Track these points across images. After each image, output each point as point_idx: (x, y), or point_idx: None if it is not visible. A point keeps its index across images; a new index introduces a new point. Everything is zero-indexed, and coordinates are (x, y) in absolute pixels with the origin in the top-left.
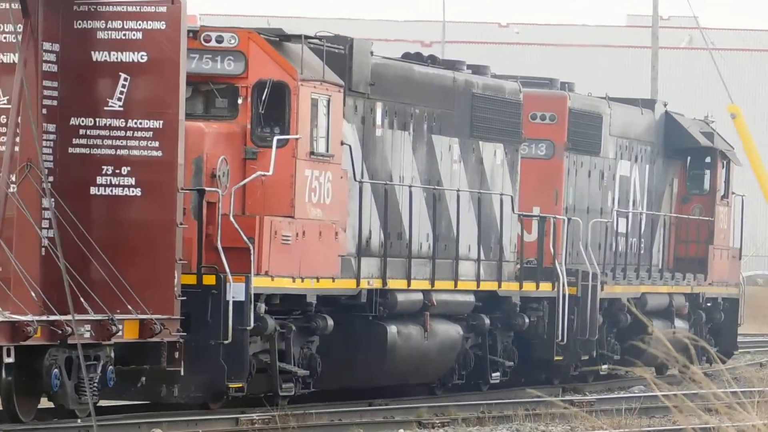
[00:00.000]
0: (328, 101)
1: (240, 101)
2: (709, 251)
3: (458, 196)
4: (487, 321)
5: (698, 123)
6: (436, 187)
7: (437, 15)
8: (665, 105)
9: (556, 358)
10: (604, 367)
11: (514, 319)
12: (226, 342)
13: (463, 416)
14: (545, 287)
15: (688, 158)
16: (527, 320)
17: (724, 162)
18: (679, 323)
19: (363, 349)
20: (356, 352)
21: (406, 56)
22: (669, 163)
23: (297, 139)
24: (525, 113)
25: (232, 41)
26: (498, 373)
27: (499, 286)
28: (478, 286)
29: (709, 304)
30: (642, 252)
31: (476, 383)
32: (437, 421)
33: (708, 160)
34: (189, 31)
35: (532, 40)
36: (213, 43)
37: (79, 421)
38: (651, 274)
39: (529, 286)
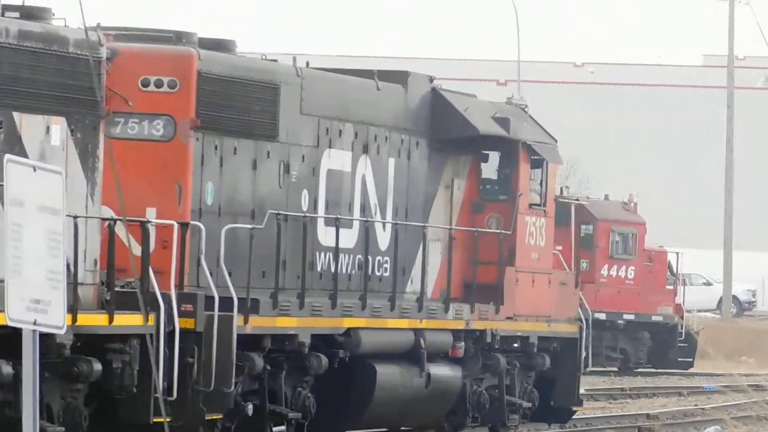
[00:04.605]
0: None
1: None
2: (506, 274)
3: None
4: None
5: (494, 106)
6: None
7: (513, 55)
8: (432, 80)
9: (155, 419)
10: (277, 429)
11: (73, 366)
12: None
13: None
14: (129, 320)
15: (486, 154)
16: (95, 368)
17: (538, 160)
18: (441, 370)
19: None
20: None
21: None
22: (444, 158)
23: None
24: (125, 76)
25: None
26: None
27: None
28: None
29: (516, 345)
30: (383, 274)
31: None
32: None
33: (508, 156)
34: None
35: (606, 79)
36: None
37: None
38: (365, 303)
39: (92, 320)
